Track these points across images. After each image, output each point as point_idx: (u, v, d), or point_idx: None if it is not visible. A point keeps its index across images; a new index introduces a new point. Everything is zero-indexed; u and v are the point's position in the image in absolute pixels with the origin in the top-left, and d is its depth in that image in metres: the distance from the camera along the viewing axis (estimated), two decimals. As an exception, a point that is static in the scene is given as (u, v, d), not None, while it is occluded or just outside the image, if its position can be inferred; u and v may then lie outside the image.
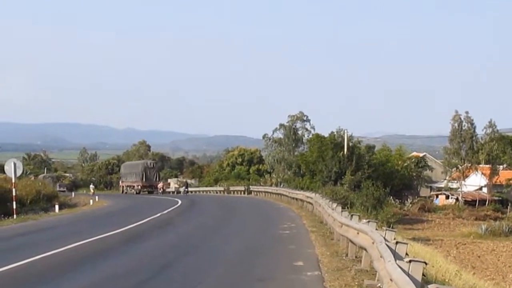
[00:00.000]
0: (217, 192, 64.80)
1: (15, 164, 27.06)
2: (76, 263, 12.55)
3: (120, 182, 74.90)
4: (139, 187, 65.88)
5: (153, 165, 69.21)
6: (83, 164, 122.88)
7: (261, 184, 62.27)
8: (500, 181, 57.51)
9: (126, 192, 67.96)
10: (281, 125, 66.09)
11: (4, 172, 31.45)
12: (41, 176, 76.46)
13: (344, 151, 52.47)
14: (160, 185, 66.57)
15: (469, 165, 58.09)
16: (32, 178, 54.30)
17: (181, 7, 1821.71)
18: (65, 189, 69.68)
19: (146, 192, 64.52)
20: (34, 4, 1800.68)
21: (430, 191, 65.46)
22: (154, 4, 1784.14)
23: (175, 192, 66.03)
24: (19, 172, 28.36)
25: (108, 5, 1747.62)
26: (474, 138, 58.59)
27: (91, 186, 67.53)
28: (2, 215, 25.89)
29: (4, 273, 11.02)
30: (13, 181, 27.41)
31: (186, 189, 64.45)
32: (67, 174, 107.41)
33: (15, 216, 25.85)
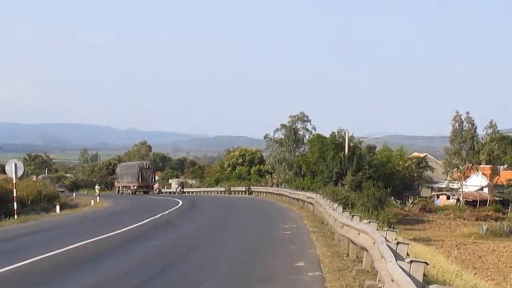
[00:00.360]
0: (218, 193, 64.80)
1: (16, 165, 27.08)
2: (77, 264, 12.55)
3: (116, 182, 75.00)
4: (135, 187, 65.94)
5: (148, 166, 69.25)
6: (84, 165, 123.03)
7: (262, 184, 62.23)
8: (501, 182, 57.49)
9: (122, 193, 67.93)
10: (282, 126, 66.04)
11: (5, 173, 31.47)
12: (40, 176, 76.32)
13: (345, 152, 52.41)
14: (156, 186, 66.88)
15: (470, 165, 58.13)
16: (34, 179, 54.27)
17: (181, 7, 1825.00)
18: (64, 190, 69.55)
19: (142, 193, 64.66)
20: (34, 4, 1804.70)
21: (431, 192, 65.45)
22: (154, 4, 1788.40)
23: (175, 193, 66.07)
24: (20, 173, 28.40)
25: (108, 5, 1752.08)
26: (475, 138, 58.59)
27: (97, 186, 67.51)
28: (3, 216, 25.86)
29: (5, 274, 11.02)
30: (14, 181, 27.44)
31: (182, 189, 64.46)
32: (68, 175, 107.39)
33: (16, 216, 25.82)
